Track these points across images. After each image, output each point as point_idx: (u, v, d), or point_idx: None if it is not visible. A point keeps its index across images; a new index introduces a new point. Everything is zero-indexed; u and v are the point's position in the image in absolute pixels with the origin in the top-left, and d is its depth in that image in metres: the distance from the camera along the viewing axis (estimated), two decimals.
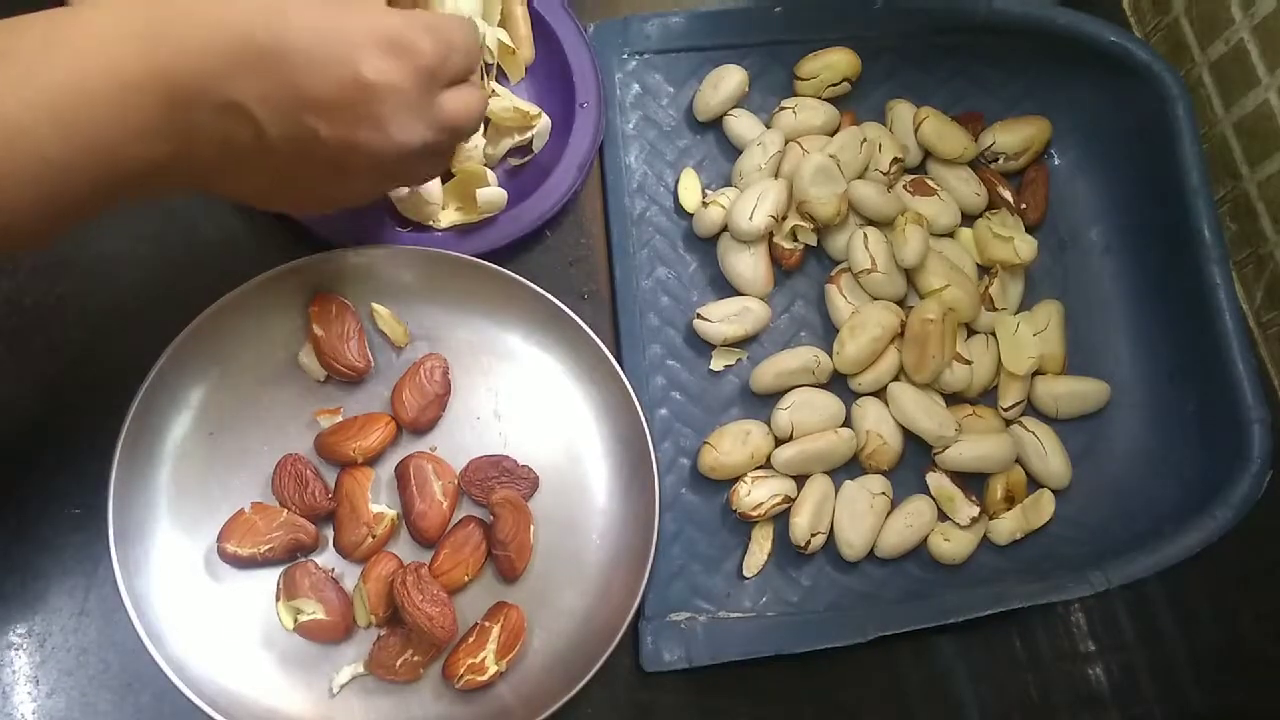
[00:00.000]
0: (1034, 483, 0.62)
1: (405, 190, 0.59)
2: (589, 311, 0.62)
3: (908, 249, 0.61)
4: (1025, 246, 0.63)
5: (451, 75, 0.45)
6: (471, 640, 0.54)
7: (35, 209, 0.37)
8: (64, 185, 0.37)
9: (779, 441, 0.60)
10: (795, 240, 0.64)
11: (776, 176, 0.65)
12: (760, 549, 0.59)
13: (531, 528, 0.56)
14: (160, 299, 0.59)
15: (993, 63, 0.68)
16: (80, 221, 0.40)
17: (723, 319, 0.62)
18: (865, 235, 0.62)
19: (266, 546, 0.54)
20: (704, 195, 0.66)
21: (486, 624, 0.54)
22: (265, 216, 0.60)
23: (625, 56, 0.68)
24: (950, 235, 0.66)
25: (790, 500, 0.59)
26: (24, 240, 0.39)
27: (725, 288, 0.64)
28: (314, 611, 0.54)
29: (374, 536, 0.55)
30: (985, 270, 0.65)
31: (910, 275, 0.63)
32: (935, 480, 0.61)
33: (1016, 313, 0.64)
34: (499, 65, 0.65)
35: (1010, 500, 0.61)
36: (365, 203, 0.53)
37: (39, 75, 0.36)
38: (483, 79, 0.62)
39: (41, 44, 0.36)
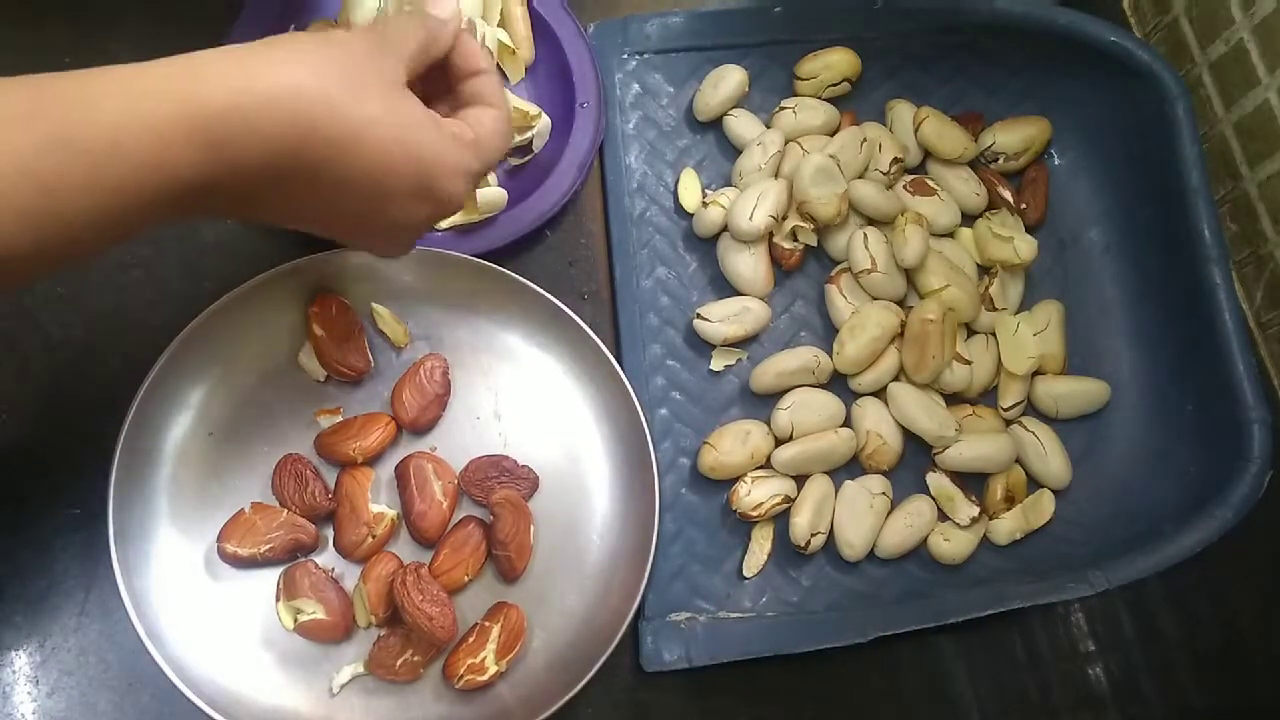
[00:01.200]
0: (1034, 483, 0.62)
1: None
2: (589, 311, 0.62)
3: (908, 249, 0.61)
4: (1025, 246, 0.63)
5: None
6: (471, 640, 0.54)
7: (50, 247, 0.37)
8: (72, 248, 0.37)
9: (779, 441, 0.60)
10: (795, 240, 0.64)
11: (776, 176, 0.65)
12: (760, 549, 0.59)
13: (531, 528, 0.56)
14: (160, 299, 0.59)
15: (993, 63, 0.68)
16: (95, 254, 0.40)
17: (723, 319, 0.62)
18: (865, 235, 0.62)
19: (266, 546, 0.54)
20: (704, 195, 0.66)
21: (486, 624, 0.54)
22: None
23: (625, 56, 0.68)
24: (950, 235, 0.66)
25: (790, 500, 0.59)
26: (41, 268, 0.38)
27: (725, 288, 0.64)
28: (314, 611, 0.54)
29: (374, 536, 0.55)
30: (985, 270, 0.65)
31: (910, 275, 0.63)
32: (935, 480, 0.61)
33: (1016, 313, 0.64)
34: (499, 65, 0.65)
35: (1010, 500, 0.61)
36: None
37: (101, 178, 0.35)
38: None
39: (110, 144, 0.35)
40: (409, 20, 0.43)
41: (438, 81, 0.47)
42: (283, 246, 0.59)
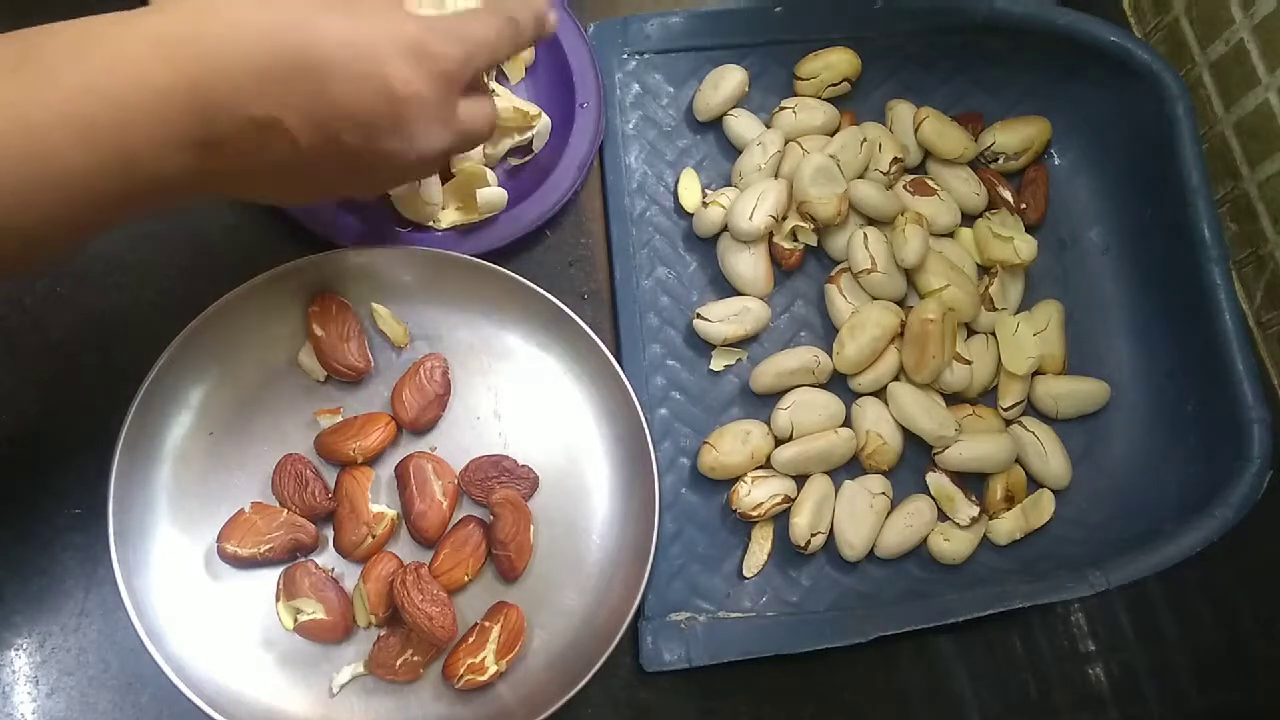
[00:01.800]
0: (1034, 483, 0.62)
1: (405, 188, 0.59)
2: (589, 311, 0.62)
3: (908, 249, 0.61)
4: (1025, 246, 0.63)
5: (471, 77, 0.46)
6: (471, 640, 0.54)
7: (55, 218, 0.37)
8: (86, 194, 0.37)
9: (779, 441, 0.60)
10: (795, 240, 0.64)
11: (776, 176, 0.65)
12: (760, 549, 0.59)
13: (531, 528, 0.56)
14: (161, 299, 0.59)
15: (993, 63, 0.68)
16: (102, 230, 0.40)
17: (723, 319, 0.62)
18: (865, 235, 0.62)
19: (266, 546, 0.54)
20: (704, 195, 0.66)
21: (486, 624, 0.54)
22: (264, 215, 0.60)
23: (625, 56, 0.68)
24: (950, 235, 0.66)
25: (790, 500, 0.59)
26: (45, 249, 0.39)
27: (725, 288, 0.64)
28: (314, 611, 0.54)
29: (374, 536, 0.55)
30: (985, 270, 0.65)
31: (910, 275, 0.63)
32: (935, 480, 0.61)
33: (1016, 313, 0.64)
34: (499, 65, 0.65)
35: (1010, 500, 0.61)
36: (373, 195, 0.59)
37: (66, 82, 0.36)
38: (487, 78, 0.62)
39: (71, 52, 0.36)
40: None
41: None
42: (283, 246, 0.59)
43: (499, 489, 0.57)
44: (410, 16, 0.43)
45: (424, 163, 0.46)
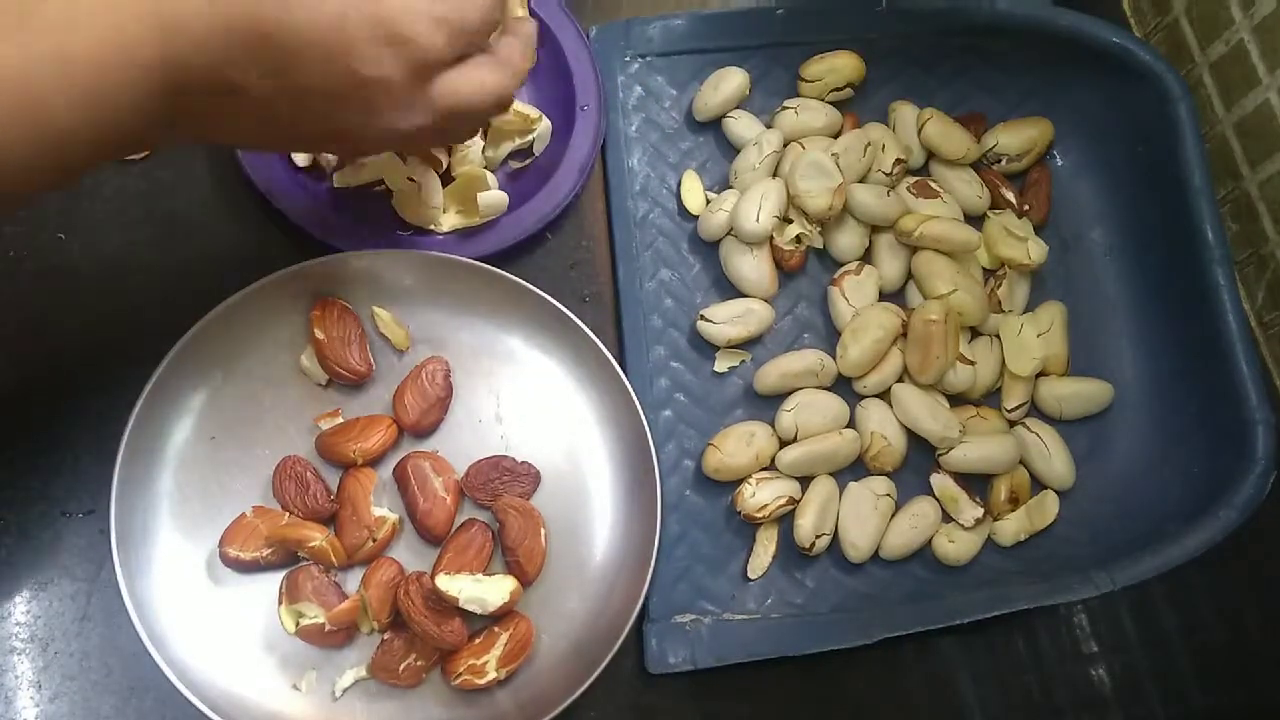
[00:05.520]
0: (1038, 484, 0.62)
1: (406, 192, 0.59)
2: (590, 314, 0.62)
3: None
4: (1037, 249, 0.63)
5: (457, 57, 0.45)
6: (478, 642, 0.54)
7: (31, 166, 0.38)
8: (63, 147, 0.38)
9: (783, 443, 0.60)
10: (797, 242, 0.64)
11: (775, 176, 0.65)
12: (765, 551, 0.59)
13: (543, 531, 0.56)
14: (162, 303, 0.59)
15: (995, 64, 0.68)
16: (70, 179, 0.41)
17: (726, 320, 0.62)
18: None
19: (268, 550, 0.54)
20: (707, 198, 0.65)
21: (496, 630, 0.54)
22: (266, 219, 0.60)
23: (627, 59, 0.68)
24: None
25: (795, 502, 0.59)
26: (9, 198, 0.40)
27: (729, 289, 0.64)
28: (316, 615, 0.54)
29: (374, 540, 0.55)
30: (991, 273, 0.65)
31: (916, 279, 0.63)
32: (939, 481, 0.61)
33: (1020, 314, 0.64)
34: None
35: (1014, 501, 0.61)
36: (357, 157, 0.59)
37: (58, 48, 0.37)
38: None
39: (64, 19, 0.37)
40: None
41: None
42: (285, 250, 0.59)
43: (503, 494, 0.56)
44: None
45: (400, 139, 0.46)
